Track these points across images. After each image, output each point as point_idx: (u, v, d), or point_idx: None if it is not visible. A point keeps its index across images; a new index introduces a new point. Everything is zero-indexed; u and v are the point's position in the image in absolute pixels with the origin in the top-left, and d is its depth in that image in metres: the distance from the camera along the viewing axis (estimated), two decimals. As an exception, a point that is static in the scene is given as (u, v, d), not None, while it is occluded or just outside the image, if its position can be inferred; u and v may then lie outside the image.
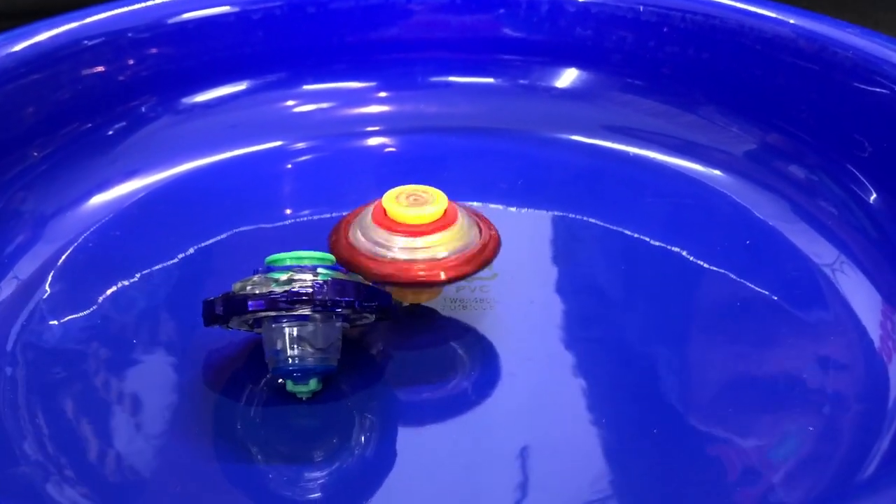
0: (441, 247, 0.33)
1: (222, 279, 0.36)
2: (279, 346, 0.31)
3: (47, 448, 0.30)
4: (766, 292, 0.37)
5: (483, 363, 0.34)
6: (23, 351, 0.34)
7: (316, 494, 0.29)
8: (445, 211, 0.34)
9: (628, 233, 0.40)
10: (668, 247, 0.39)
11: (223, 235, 0.40)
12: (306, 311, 0.31)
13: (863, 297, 0.36)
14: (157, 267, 0.38)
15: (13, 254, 0.37)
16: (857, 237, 0.38)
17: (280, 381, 0.32)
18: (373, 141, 0.46)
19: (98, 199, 0.40)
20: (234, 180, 0.43)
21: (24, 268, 0.37)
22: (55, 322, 0.35)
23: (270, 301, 0.30)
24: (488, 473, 0.30)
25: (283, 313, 0.31)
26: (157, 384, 0.33)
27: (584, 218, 0.41)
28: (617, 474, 0.30)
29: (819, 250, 0.38)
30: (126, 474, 0.30)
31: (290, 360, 0.31)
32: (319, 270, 0.31)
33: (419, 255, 0.33)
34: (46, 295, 0.36)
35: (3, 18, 0.63)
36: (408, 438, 0.31)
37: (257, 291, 0.31)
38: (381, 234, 0.33)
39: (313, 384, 0.32)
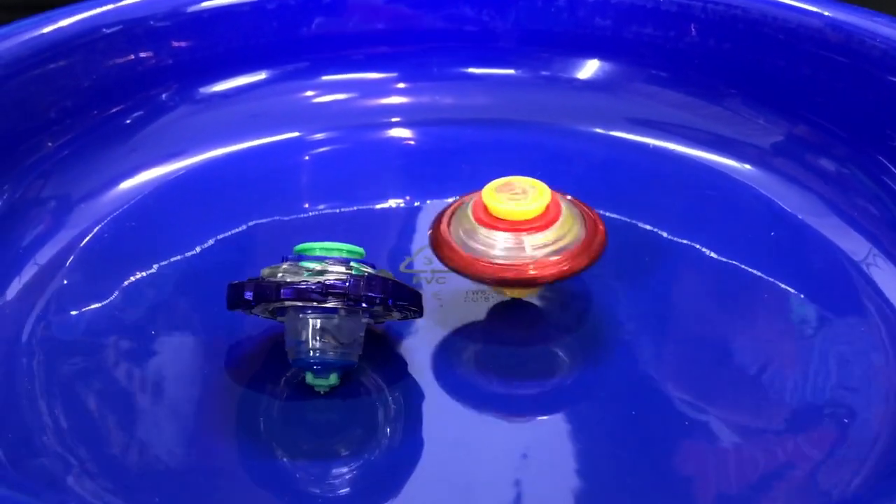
0: (548, 244, 0.33)
1: (239, 270, 0.36)
2: (303, 337, 0.30)
3: (66, 439, 0.30)
4: (794, 286, 0.36)
5: (504, 356, 0.33)
6: (40, 342, 0.33)
7: (335, 489, 0.29)
8: (548, 206, 0.33)
9: (649, 226, 0.39)
10: (691, 239, 0.39)
11: (240, 227, 0.39)
12: (336, 305, 0.30)
13: (894, 288, 0.35)
14: (173, 258, 0.37)
15: (31, 244, 0.37)
16: (890, 229, 0.38)
17: (300, 375, 0.32)
18: (391, 132, 0.45)
19: (115, 189, 0.40)
20: (252, 171, 0.42)
21: (42, 258, 0.36)
22: (73, 313, 0.35)
23: (303, 291, 0.30)
24: (506, 467, 0.30)
25: (312, 304, 0.30)
26: (176, 376, 0.33)
27: (605, 210, 0.40)
28: (654, 462, 0.30)
29: (850, 244, 0.38)
30: (144, 467, 0.30)
31: (312, 353, 0.30)
32: (353, 264, 0.31)
33: (526, 254, 0.32)
34: (64, 285, 0.36)
35: (3, 10, 0.63)
36: (426, 434, 0.31)
37: (289, 279, 0.30)
38: (483, 232, 0.33)
39: (333, 378, 0.31)
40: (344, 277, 0.30)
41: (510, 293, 0.35)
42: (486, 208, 0.33)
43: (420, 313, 0.32)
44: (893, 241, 0.37)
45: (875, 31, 0.40)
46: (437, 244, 0.34)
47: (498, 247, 0.33)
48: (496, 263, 0.32)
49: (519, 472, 0.30)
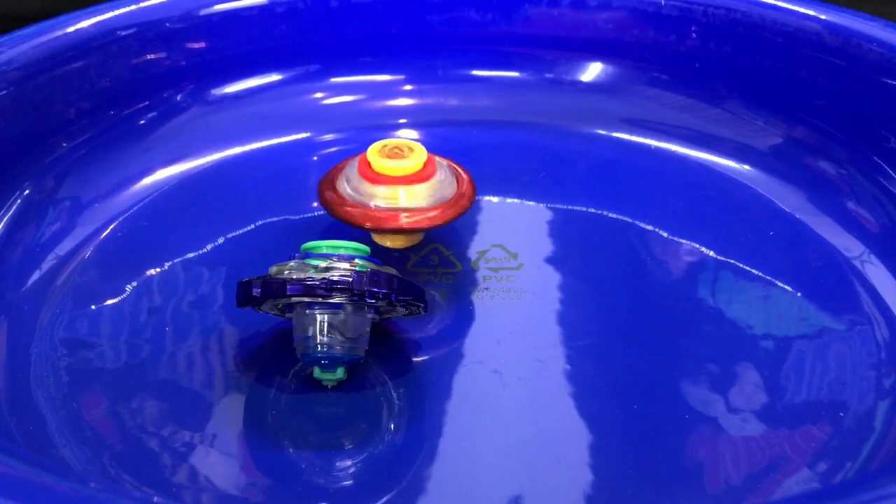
0: (422, 197, 0.36)
1: (249, 269, 0.37)
2: (310, 333, 0.31)
3: (83, 431, 0.31)
4: (791, 283, 0.37)
5: (509, 352, 0.34)
6: (57, 337, 0.34)
7: (340, 481, 0.30)
8: (425, 164, 0.36)
9: (650, 225, 0.40)
10: (691, 238, 0.39)
11: (251, 226, 0.40)
12: (342, 300, 0.31)
13: (890, 289, 0.36)
14: (185, 256, 0.38)
15: (48, 241, 0.37)
16: (885, 229, 0.38)
17: (308, 369, 0.32)
18: (398, 133, 0.46)
19: (129, 189, 0.41)
20: (263, 171, 0.43)
21: (58, 255, 0.37)
22: (87, 311, 0.35)
23: (308, 287, 0.31)
24: (508, 461, 0.31)
25: (318, 300, 0.31)
26: (189, 371, 0.33)
27: (606, 210, 0.41)
28: (647, 457, 0.31)
29: (846, 243, 0.38)
30: (158, 457, 0.30)
31: (319, 347, 0.31)
32: (357, 261, 0.32)
33: (401, 205, 0.36)
34: (79, 282, 0.36)
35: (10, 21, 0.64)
36: (430, 428, 0.31)
37: (295, 276, 0.31)
38: (365, 186, 0.36)
39: (340, 373, 0.32)
40: (349, 274, 0.31)
41: (391, 242, 0.38)
42: (369, 165, 0.37)
43: (424, 309, 0.33)
44: (888, 242, 0.38)
45: (872, 34, 0.41)
46: (327, 200, 0.37)
47: (378, 198, 0.36)
48: (376, 211, 0.36)
49: (521, 466, 0.31)
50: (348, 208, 0.36)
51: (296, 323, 0.32)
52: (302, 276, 0.31)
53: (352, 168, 0.37)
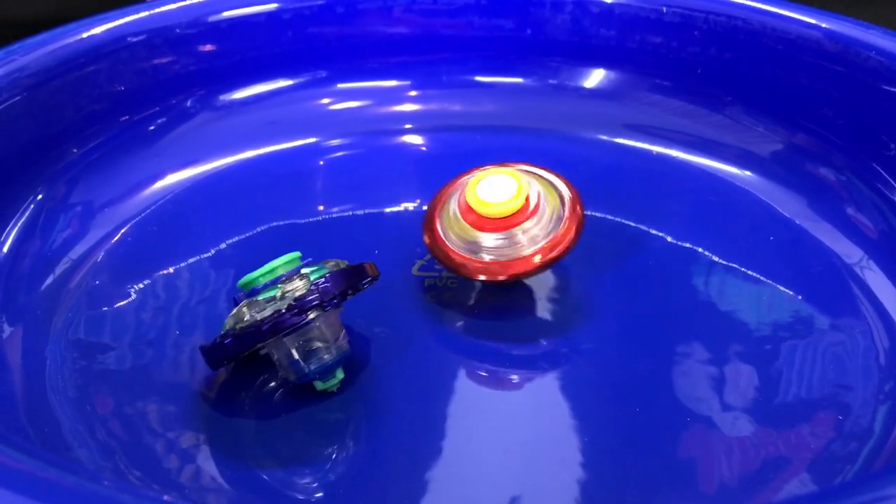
0: (529, 238, 0.35)
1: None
2: (296, 357, 0.31)
3: (97, 433, 0.31)
4: (791, 288, 0.38)
5: (509, 356, 0.35)
6: (69, 343, 0.35)
7: (343, 484, 0.30)
8: (527, 196, 0.35)
9: (652, 230, 0.41)
10: (693, 243, 0.40)
11: (258, 229, 0.41)
12: (313, 315, 0.31)
13: (888, 294, 0.36)
14: (193, 260, 0.39)
15: (61, 246, 0.38)
16: (884, 236, 0.39)
17: (317, 386, 0.33)
18: (404, 138, 0.47)
19: (139, 194, 0.42)
20: (270, 175, 0.44)
21: (70, 259, 0.38)
22: (99, 314, 0.36)
23: (283, 322, 0.30)
24: (508, 463, 0.31)
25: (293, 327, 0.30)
26: (197, 375, 0.34)
27: (608, 215, 0.41)
28: (648, 459, 0.31)
29: (845, 249, 0.39)
30: (166, 460, 0.31)
31: (310, 367, 0.31)
32: (303, 271, 0.32)
33: (509, 252, 0.35)
34: (91, 286, 0.37)
35: (18, 26, 0.64)
36: (432, 431, 0.32)
37: (261, 317, 0.30)
38: (470, 233, 0.35)
39: (339, 374, 0.32)
40: (308, 290, 0.31)
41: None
42: (472, 209, 0.35)
43: (376, 278, 0.33)
44: (886, 248, 0.38)
45: (871, 42, 0.41)
46: (439, 256, 0.36)
47: (492, 244, 0.35)
48: (498, 261, 0.35)
49: (520, 468, 0.31)
50: (477, 265, 0.35)
51: (277, 355, 0.32)
52: (266, 314, 0.30)
53: (454, 217, 0.36)
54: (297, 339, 0.31)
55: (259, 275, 0.32)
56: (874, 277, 0.37)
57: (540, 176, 0.37)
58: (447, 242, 0.35)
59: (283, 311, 0.30)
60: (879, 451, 0.31)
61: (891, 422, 0.32)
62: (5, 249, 0.36)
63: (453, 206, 0.36)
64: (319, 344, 0.31)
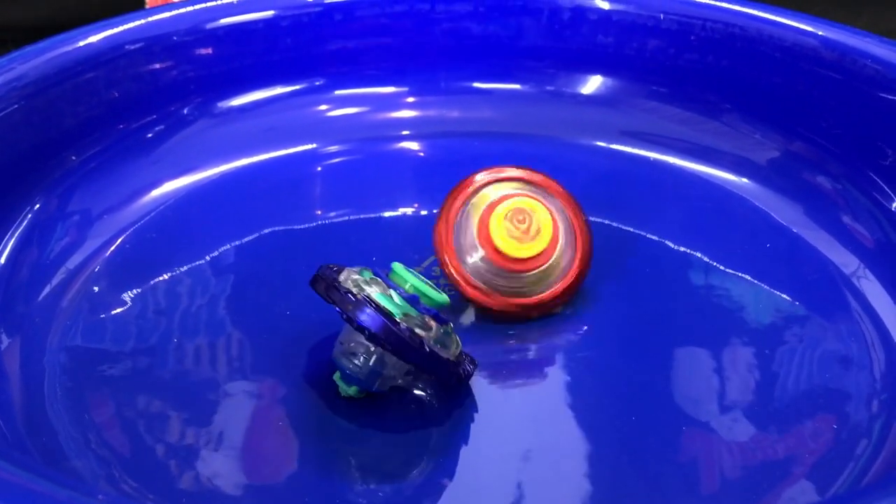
0: (549, 276, 0.36)
1: (256, 277, 0.38)
2: (362, 350, 0.32)
3: (94, 443, 0.31)
4: (787, 295, 0.38)
5: (509, 363, 0.35)
6: (68, 350, 0.35)
7: (347, 490, 0.31)
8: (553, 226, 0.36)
9: (649, 236, 0.41)
10: (689, 248, 0.40)
11: (256, 236, 0.41)
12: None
13: (883, 303, 0.37)
14: (192, 266, 0.39)
15: (60, 254, 0.38)
16: (879, 244, 0.39)
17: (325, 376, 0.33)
18: (401, 145, 0.47)
19: (138, 201, 0.42)
20: (268, 182, 0.44)
21: (69, 267, 0.38)
22: (98, 323, 0.36)
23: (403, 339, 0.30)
24: (510, 469, 0.31)
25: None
26: (199, 380, 0.34)
27: (606, 221, 0.42)
28: (649, 465, 0.31)
29: (840, 256, 0.39)
30: (170, 467, 0.31)
31: (358, 370, 0.32)
32: (440, 329, 0.32)
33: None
34: (90, 294, 0.37)
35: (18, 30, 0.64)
36: (434, 438, 0.32)
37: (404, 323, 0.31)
38: (500, 273, 0.36)
39: (352, 391, 0.32)
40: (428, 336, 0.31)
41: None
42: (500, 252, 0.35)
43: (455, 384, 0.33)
44: (882, 257, 0.39)
45: (867, 50, 0.42)
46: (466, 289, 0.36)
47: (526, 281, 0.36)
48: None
49: (522, 474, 0.31)
50: (511, 301, 0.36)
51: (352, 336, 0.32)
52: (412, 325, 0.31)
53: (477, 252, 0.36)
54: (394, 359, 0.32)
55: (414, 284, 0.32)
56: (870, 286, 0.38)
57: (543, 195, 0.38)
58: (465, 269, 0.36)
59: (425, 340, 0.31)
60: (876, 457, 0.32)
61: (887, 428, 0.32)
62: (3, 259, 0.36)
63: (472, 232, 0.36)
64: (389, 373, 0.32)
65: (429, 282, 0.32)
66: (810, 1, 0.47)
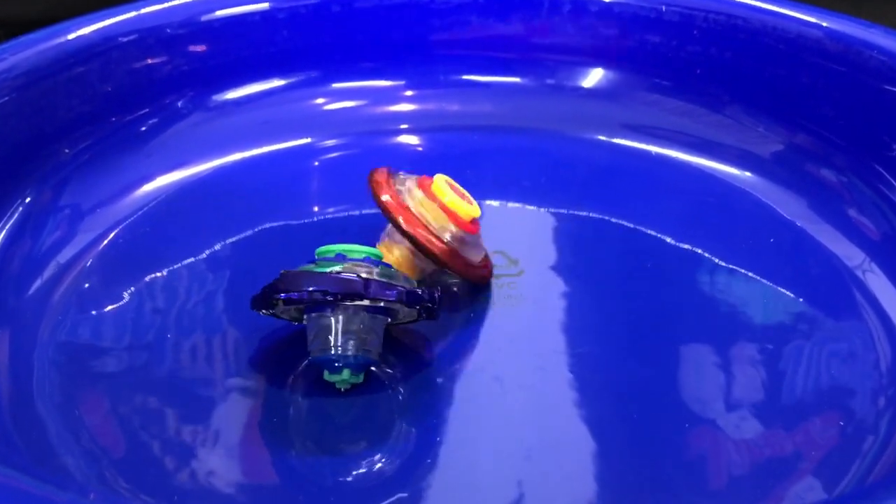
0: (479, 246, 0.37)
1: (252, 273, 0.37)
2: (339, 330, 0.32)
3: (85, 439, 0.31)
4: (791, 291, 0.37)
5: (510, 359, 0.35)
6: (58, 345, 0.34)
7: (345, 487, 0.30)
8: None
9: (651, 231, 0.40)
10: (693, 244, 0.40)
11: (251, 231, 0.40)
12: (358, 304, 0.31)
13: (890, 297, 0.36)
14: (186, 262, 0.38)
15: (50, 248, 0.38)
16: (886, 237, 0.39)
17: (317, 372, 0.33)
18: (399, 139, 0.46)
19: (131, 195, 0.41)
20: (264, 176, 0.43)
21: (60, 262, 0.37)
22: (89, 317, 0.36)
23: (381, 287, 0.31)
24: (510, 465, 0.31)
25: (345, 303, 0.31)
26: (193, 376, 0.34)
27: (607, 216, 0.41)
28: (648, 462, 0.31)
29: (846, 250, 0.39)
30: (164, 465, 0.31)
31: (335, 350, 0.32)
32: (375, 268, 0.32)
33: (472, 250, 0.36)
34: (82, 289, 0.37)
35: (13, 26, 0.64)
36: (433, 434, 0.32)
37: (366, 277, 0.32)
38: (441, 219, 0.35)
39: (346, 374, 0.32)
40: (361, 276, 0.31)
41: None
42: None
43: (437, 314, 0.34)
44: (889, 250, 0.38)
45: (873, 41, 0.41)
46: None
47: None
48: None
49: (522, 469, 0.31)
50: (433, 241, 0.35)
51: (313, 326, 0.32)
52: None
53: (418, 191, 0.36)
54: (359, 316, 0.32)
55: (340, 248, 0.32)
56: (876, 280, 0.37)
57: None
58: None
59: (386, 283, 0.31)
60: (882, 453, 0.31)
61: (893, 424, 0.32)
62: (-8, 253, 0.36)
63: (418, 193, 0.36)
64: (364, 336, 0.32)
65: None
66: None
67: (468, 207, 0.36)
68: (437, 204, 0.35)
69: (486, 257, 0.38)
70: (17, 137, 0.38)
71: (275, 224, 0.41)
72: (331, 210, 0.42)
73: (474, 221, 0.36)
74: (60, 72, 0.40)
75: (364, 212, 0.42)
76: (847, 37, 0.42)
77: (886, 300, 0.36)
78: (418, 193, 0.36)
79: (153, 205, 0.41)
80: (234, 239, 0.40)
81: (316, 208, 0.43)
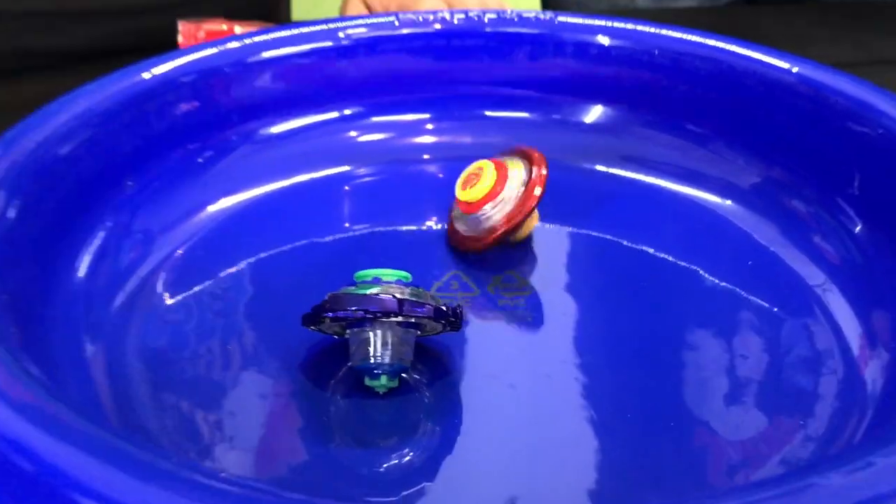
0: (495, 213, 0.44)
1: (297, 287, 0.43)
2: (378, 342, 0.37)
3: (172, 435, 0.36)
4: (765, 305, 0.43)
5: (520, 368, 0.40)
6: (139, 352, 0.39)
7: (361, 482, 0.35)
8: (496, 180, 0.44)
9: (648, 250, 0.46)
10: (681, 263, 0.45)
11: (296, 248, 0.45)
12: (393, 320, 0.37)
13: (845, 313, 0.42)
14: (240, 277, 0.44)
15: (128, 267, 0.43)
16: (844, 262, 0.44)
17: (359, 378, 0.38)
18: (422, 167, 0.52)
19: (191, 219, 0.46)
20: (306, 201, 0.48)
21: (135, 280, 0.43)
22: (163, 325, 0.41)
23: (415, 307, 0.37)
24: (519, 465, 0.35)
25: (383, 319, 0.36)
26: (248, 379, 0.39)
27: (607, 237, 0.46)
28: (641, 461, 0.36)
29: (810, 271, 0.44)
30: (231, 458, 0.35)
31: (374, 360, 0.37)
32: (405, 288, 0.37)
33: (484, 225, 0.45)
34: (153, 303, 0.42)
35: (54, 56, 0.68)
36: (448, 435, 0.36)
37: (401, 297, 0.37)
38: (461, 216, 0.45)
39: (384, 380, 0.37)
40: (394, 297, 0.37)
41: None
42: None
43: (459, 326, 0.39)
44: (845, 272, 0.44)
45: (838, 87, 0.46)
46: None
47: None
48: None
49: (530, 469, 0.35)
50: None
51: (355, 340, 0.37)
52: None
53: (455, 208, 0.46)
54: (394, 330, 0.37)
55: (375, 273, 0.38)
56: (834, 298, 0.42)
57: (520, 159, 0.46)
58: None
59: (416, 301, 0.36)
60: (833, 441, 0.36)
61: (846, 421, 0.37)
62: (82, 273, 0.41)
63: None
64: (398, 346, 0.37)
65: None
66: (763, 36, 0.52)
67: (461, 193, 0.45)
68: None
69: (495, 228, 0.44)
70: (94, 171, 0.43)
71: (317, 240, 0.46)
72: (364, 227, 0.47)
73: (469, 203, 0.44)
74: (128, 112, 0.45)
75: (395, 229, 0.47)
76: (817, 82, 0.47)
77: (841, 316, 0.41)
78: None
79: (211, 227, 0.46)
80: (280, 254, 0.45)
81: (349, 225, 0.48)
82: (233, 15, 0.64)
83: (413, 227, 0.48)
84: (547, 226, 0.47)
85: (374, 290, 0.37)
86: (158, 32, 0.63)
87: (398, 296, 0.37)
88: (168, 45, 0.54)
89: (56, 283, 0.40)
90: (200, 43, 0.50)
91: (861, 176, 0.45)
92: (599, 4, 0.90)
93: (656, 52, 0.51)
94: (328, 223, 0.47)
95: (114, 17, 0.69)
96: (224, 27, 0.61)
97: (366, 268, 0.38)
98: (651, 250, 0.46)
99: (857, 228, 0.44)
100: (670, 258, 0.45)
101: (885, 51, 0.68)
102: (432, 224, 0.48)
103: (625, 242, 0.46)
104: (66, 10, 0.68)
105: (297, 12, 0.84)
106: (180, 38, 0.61)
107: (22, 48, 0.68)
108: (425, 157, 0.52)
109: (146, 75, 0.46)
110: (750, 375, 0.39)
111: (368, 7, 0.68)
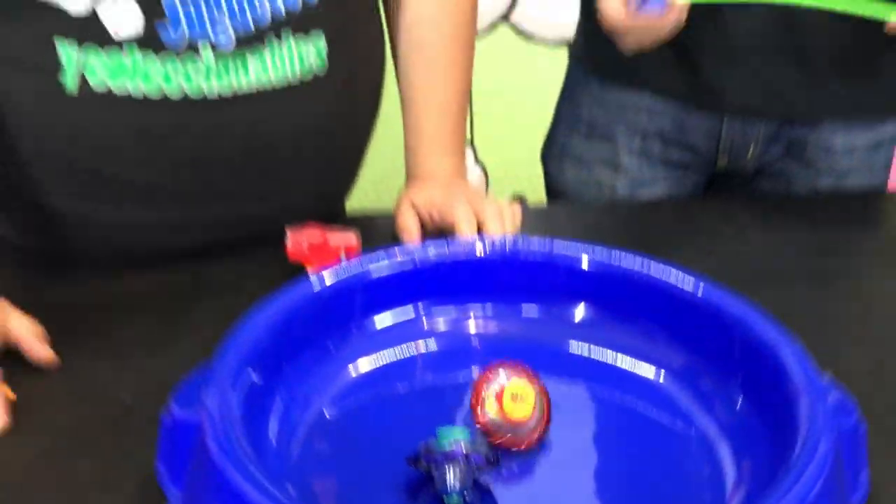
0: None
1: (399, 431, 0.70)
2: (450, 480, 0.63)
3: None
4: (677, 447, 0.71)
5: (546, 487, 0.68)
6: (303, 476, 0.67)
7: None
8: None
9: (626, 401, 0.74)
10: (626, 437, 0.73)
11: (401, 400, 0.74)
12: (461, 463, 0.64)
13: (729, 458, 0.69)
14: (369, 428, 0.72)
15: (292, 423, 0.71)
16: (730, 425, 0.71)
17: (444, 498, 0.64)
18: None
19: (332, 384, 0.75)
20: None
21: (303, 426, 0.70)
22: (326, 461, 0.68)
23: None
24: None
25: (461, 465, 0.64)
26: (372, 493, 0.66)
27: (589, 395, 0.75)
28: None
29: (711, 432, 0.71)
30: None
31: (450, 487, 0.63)
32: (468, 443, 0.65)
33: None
34: (319, 449, 0.69)
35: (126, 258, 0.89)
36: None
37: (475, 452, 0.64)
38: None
39: (455, 498, 0.64)
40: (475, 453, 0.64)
41: None
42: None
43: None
44: (734, 433, 0.70)
45: (731, 309, 0.73)
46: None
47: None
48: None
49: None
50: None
51: (440, 475, 0.64)
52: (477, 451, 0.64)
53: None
54: (461, 469, 0.64)
55: (449, 429, 0.65)
56: (723, 448, 0.70)
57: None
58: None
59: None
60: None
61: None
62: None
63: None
64: (464, 478, 0.64)
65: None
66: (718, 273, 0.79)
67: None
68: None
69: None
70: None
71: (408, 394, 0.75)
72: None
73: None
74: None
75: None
76: (715, 303, 0.74)
77: (726, 461, 0.69)
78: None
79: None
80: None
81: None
82: (302, 215, 0.88)
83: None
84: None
85: (450, 442, 0.63)
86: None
87: (465, 450, 0.63)
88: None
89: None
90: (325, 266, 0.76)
91: (741, 369, 0.72)
92: (588, 189, 1.15)
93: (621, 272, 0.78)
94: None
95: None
96: (320, 238, 0.84)
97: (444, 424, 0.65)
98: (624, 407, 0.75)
99: (739, 403, 0.71)
100: (624, 424, 0.74)
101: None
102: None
103: (603, 405, 0.75)
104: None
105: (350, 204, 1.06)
106: (289, 244, 0.84)
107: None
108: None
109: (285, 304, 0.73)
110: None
111: (415, 207, 0.93)
